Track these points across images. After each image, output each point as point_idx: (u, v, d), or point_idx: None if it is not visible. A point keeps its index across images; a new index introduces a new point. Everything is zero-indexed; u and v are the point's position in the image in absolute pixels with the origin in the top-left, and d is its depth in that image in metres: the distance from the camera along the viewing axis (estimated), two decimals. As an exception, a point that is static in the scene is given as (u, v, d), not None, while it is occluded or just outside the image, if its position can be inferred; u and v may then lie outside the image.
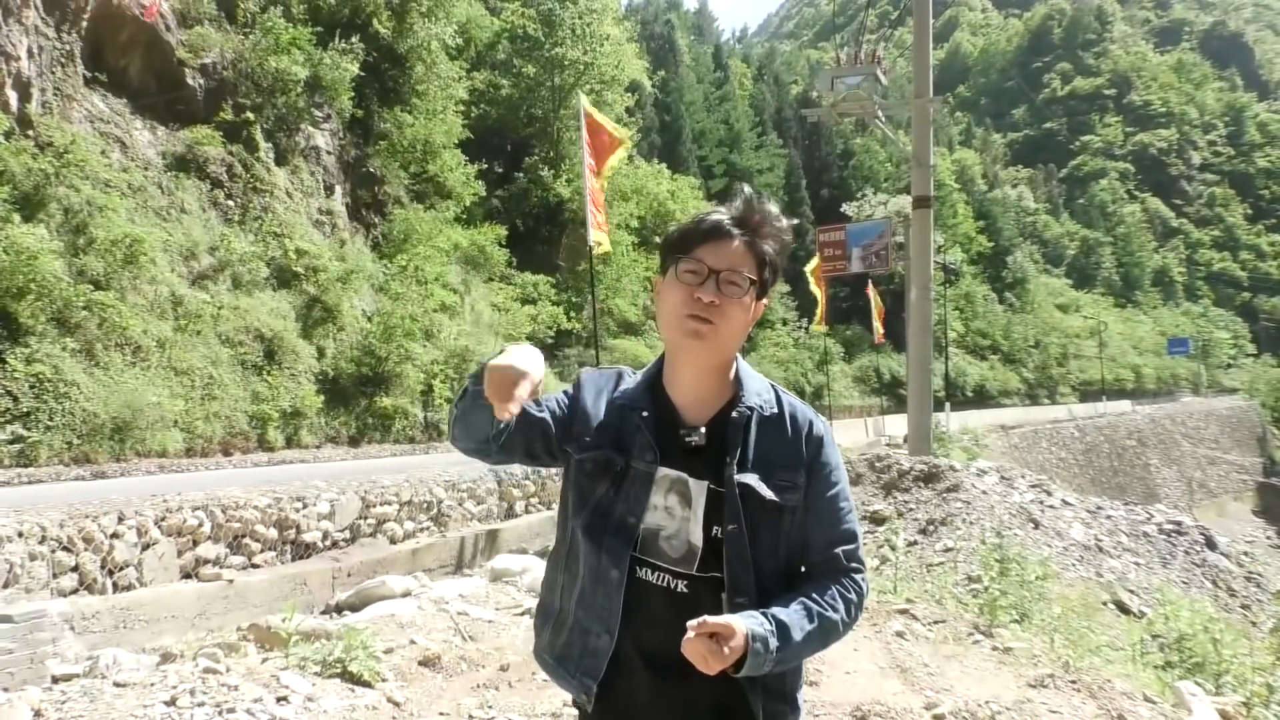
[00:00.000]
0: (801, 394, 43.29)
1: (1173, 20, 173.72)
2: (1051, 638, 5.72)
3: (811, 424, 1.68)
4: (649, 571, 1.61)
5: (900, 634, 5.54)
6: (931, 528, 9.88)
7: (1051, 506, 11.19)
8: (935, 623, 5.92)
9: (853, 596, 1.62)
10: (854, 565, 1.65)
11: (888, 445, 21.23)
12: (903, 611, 6.04)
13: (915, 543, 9.43)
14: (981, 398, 56.19)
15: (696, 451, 1.62)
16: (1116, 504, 12.89)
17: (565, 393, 1.79)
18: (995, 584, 6.35)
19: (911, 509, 10.48)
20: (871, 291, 31.29)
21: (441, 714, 4.25)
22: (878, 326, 32.65)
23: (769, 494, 1.59)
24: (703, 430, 1.63)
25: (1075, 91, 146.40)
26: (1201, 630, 6.20)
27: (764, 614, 1.52)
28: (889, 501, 10.79)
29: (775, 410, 1.67)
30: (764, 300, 1.68)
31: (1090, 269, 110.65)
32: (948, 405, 31.34)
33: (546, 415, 1.73)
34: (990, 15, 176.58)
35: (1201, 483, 55.28)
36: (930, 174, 14.88)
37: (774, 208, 1.69)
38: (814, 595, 1.59)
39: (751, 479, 1.59)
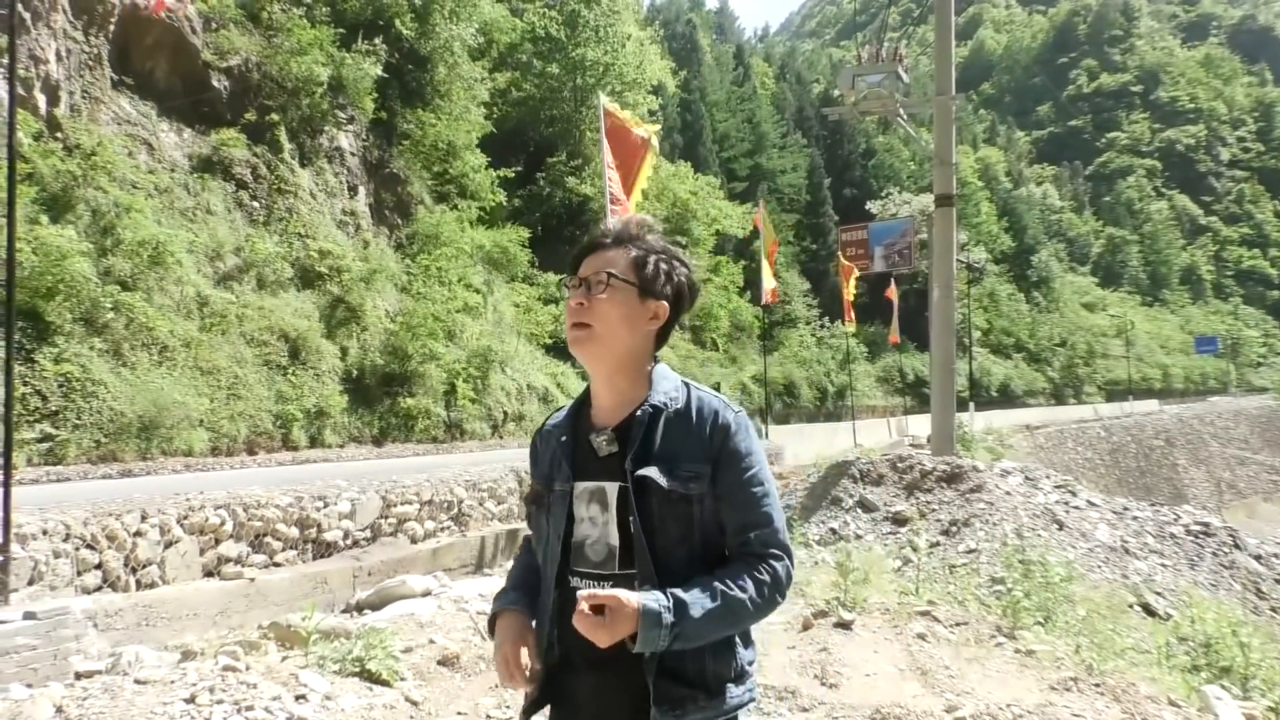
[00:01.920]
0: (824, 393, 43.32)
1: (1201, 15, 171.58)
2: (1076, 640, 5.65)
3: (718, 413, 1.71)
4: (579, 580, 1.70)
5: (921, 636, 5.49)
6: (954, 529, 9.80)
7: (1076, 507, 11.06)
8: (957, 625, 5.86)
9: (764, 577, 1.64)
10: (769, 550, 1.68)
11: (911, 445, 21.08)
12: (924, 613, 5.98)
13: (938, 544, 9.35)
14: (1006, 397, 55.76)
15: (612, 457, 1.70)
16: (1143, 505, 12.72)
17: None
18: (1018, 586, 6.28)
19: (934, 510, 10.40)
20: (892, 292, 31.09)
21: (459, 713, 4.26)
22: (894, 326, 32.50)
23: (666, 483, 1.64)
24: (610, 433, 1.71)
25: (1101, 88, 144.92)
26: (1229, 633, 6.10)
27: (663, 591, 1.58)
28: (911, 502, 10.71)
29: (683, 405, 1.72)
30: (658, 301, 1.74)
31: (1117, 267, 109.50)
32: (972, 405, 31.11)
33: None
34: (1014, 12, 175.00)
35: (1231, 483, 54.55)
36: (953, 172, 14.74)
37: (656, 225, 1.82)
38: (721, 576, 1.63)
39: (651, 471, 1.65)
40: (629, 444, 1.69)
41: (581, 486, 1.72)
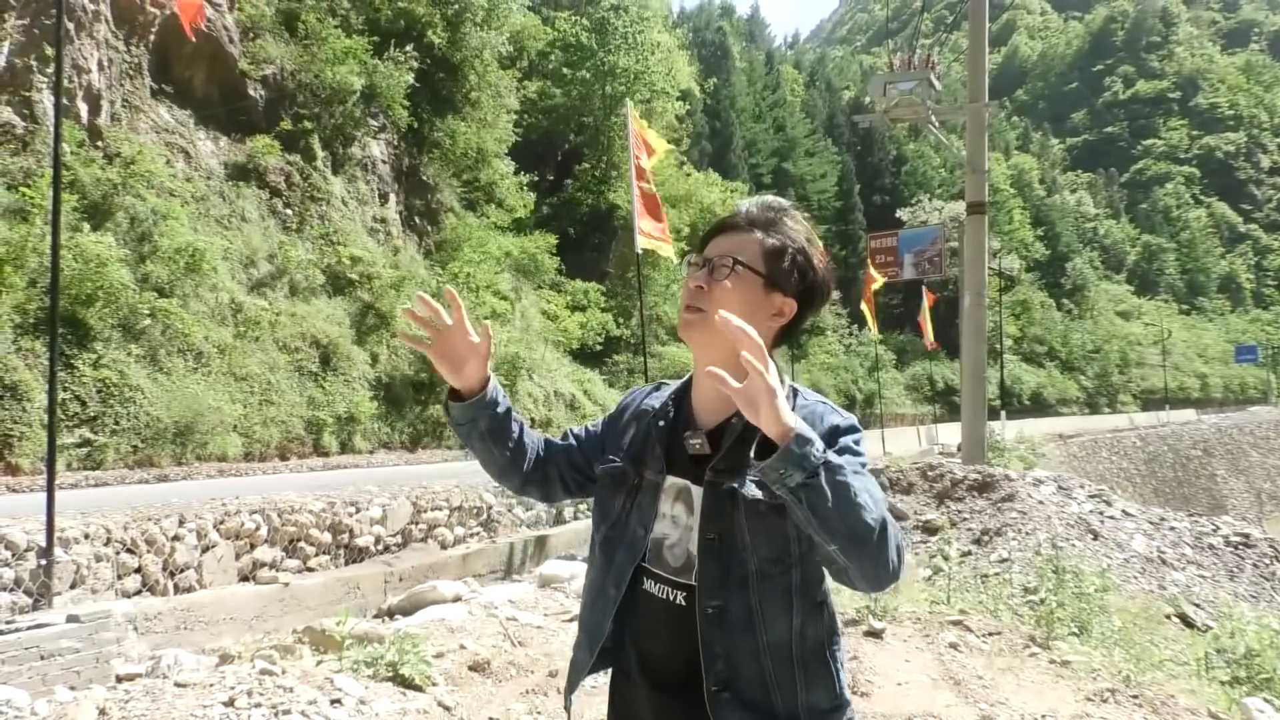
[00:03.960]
0: (852, 401, 43.04)
1: (1241, 21, 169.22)
2: (1112, 651, 5.58)
3: (823, 419, 1.54)
4: (653, 583, 1.57)
5: (954, 645, 5.45)
6: (986, 538, 9.72)
7: (1111, 517, 10.92)
8: (990, 634, 5.81)
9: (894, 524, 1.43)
10: None
11: (941, 454, 20.91)
12: (956, 623, 5.93)
13: (969, 553, 9.28)
14: (1039, 405, 55.14)
15: (705, 457, 1.55)
16: (1180, 515, 12.53)
17: (605, 415, 1.80)
18: (1052, 595, 6.21)
19: (965, 519, 10.32)
20: (929, 298, 30.82)
21: (491, 719, 4.28)
22: (929, 331, 32.08)
23: (755, 493, 1.48)
24: (704, 435, 1.57)
25: (1138, 95, 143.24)
26: (1271, 645, 6.00)
27: None
28: (942, 511, 10.64)
29: None
30: (785, 298, 1.58)
31: (1153, 275, 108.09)
32: (1003, 413, 30.75)
33: (573, 441, 1.79)
34: (1049, 18, 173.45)
35: (1272, 494, 53.60)
36: (985, 179, 14.65)
37: (796, 211, 1.65)
38: None
39: (736, 481, 1.51)
40: (719, 450, 1.54)
41: (670, 481, 1.58)
